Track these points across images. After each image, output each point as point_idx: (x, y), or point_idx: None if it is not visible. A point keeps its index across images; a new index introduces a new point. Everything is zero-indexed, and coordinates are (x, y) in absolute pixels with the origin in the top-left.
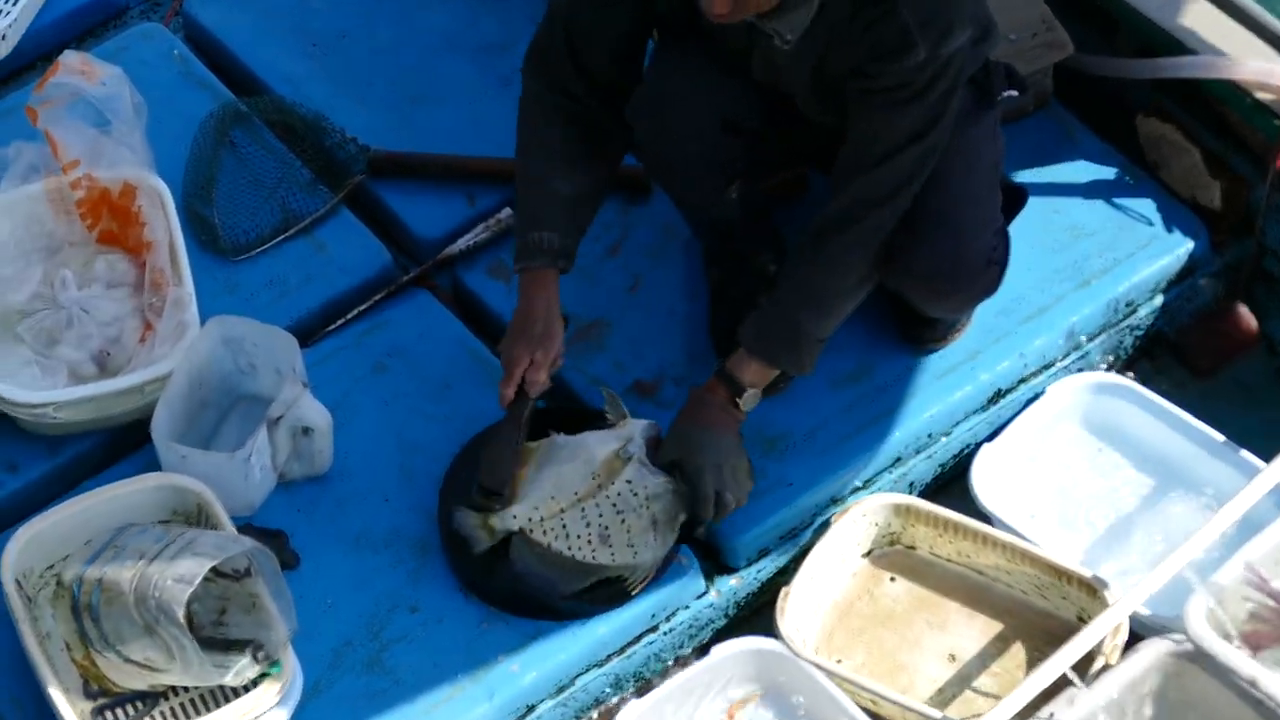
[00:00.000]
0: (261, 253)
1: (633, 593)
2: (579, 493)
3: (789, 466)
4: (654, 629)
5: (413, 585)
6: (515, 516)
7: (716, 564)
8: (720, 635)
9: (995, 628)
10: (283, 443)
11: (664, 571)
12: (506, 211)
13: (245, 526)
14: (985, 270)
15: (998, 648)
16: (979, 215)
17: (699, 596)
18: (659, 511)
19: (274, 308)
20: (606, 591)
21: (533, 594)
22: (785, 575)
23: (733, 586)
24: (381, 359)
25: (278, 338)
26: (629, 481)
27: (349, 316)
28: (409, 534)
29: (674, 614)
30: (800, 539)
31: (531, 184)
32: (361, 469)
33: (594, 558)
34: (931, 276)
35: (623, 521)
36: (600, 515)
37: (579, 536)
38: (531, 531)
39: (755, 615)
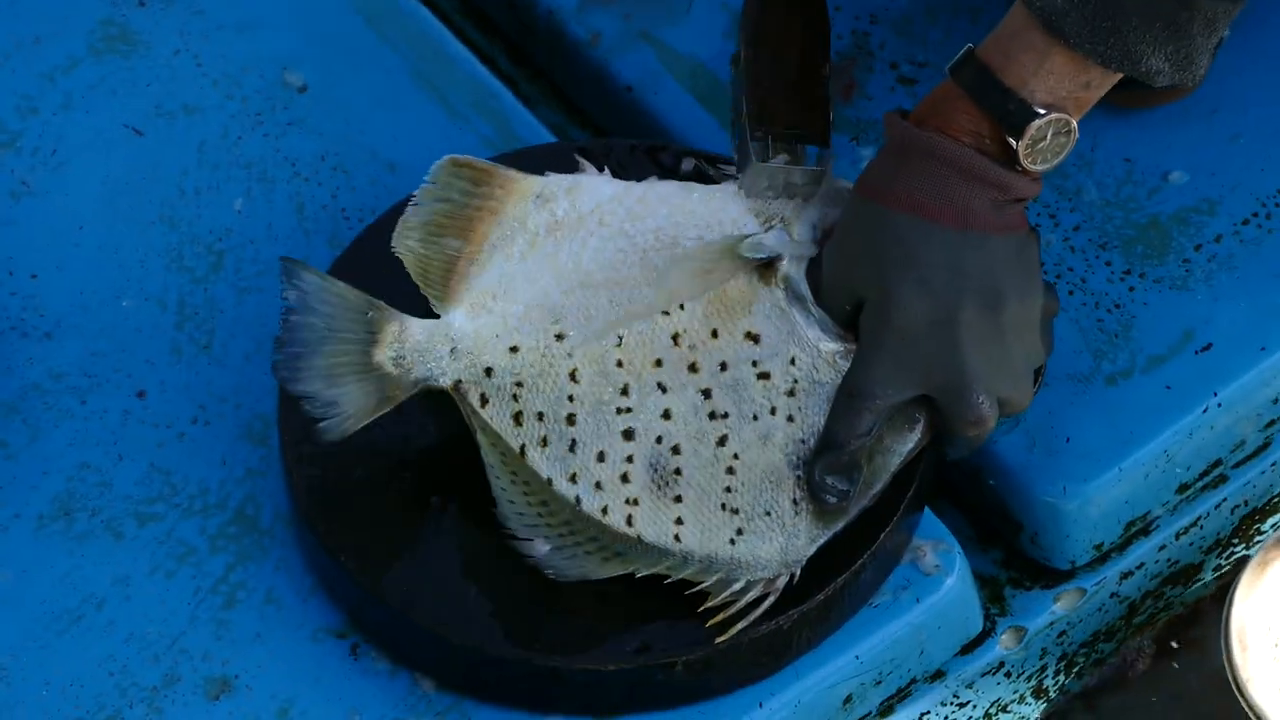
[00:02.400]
0: None
1: (719, 626)
2: (626, 335)
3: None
4: None
5: (213, 624)
6: (454, 343)
7: (1012, 560)
8: None
9: None
10: None
11: (843, 583)
12: None
13: None
14: None
15: None
16: None
17: (969, 648)
18: (815, 427)
19: None
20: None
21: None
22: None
23: (1052, 619)
24: None
25: None
26: (753, 337)
27: None
28: (200, 488)
29: (899, 696)
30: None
31: None
32: (72, 306)
33: (629, 523)
34: None
35: (721, 440)
36: (665, 412)
37: (600, 458)
38: (487, 402)
39: (1100, 694)
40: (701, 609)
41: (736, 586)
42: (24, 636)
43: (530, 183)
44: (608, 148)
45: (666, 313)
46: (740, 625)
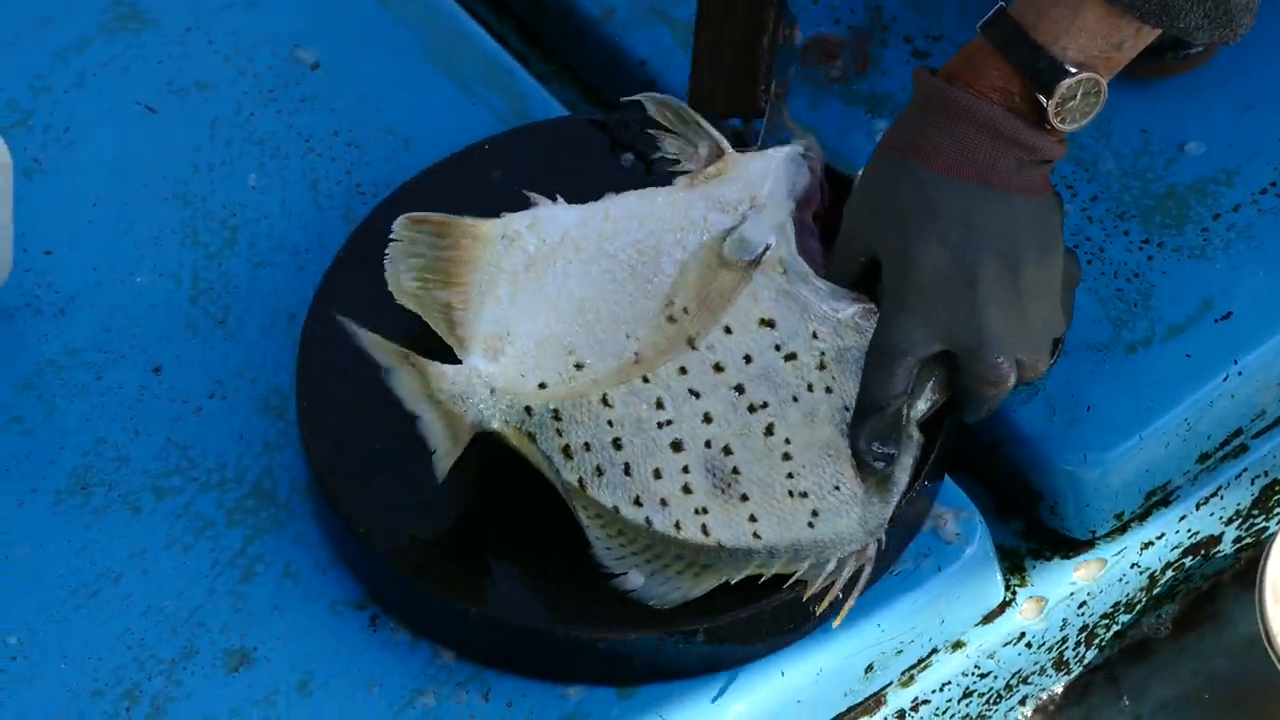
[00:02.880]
0: None
1: (815, 608)
2: (640, 349)
3: None
4: (871, 705)
5: (231, 597)
6: (490, 383)
7: (1032, 531)
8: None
9: None
10: None
11: (882, 552)
12: None
13: None
14: None
15: None
16: None
17: (990, 618)
18: (854, 393)
19: None
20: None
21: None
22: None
23: (1073, 590)
24: None
25: None
26: (768, 323)
27: None
28: (217, 462)
29: (920, 666)
30: None
31: None
32: (86, 282)
33: (705, 533)
34: None
35: (769, 430)
36: (705, 416)
37: (657, 475)
38: (535, 440)
39: (1121, 667)
40: (805, 597)
41: (830, 568)
42: (42, 610)
43: (490, 226)
44: (623, 120)
45: (673, 320)
46: (850, 603)
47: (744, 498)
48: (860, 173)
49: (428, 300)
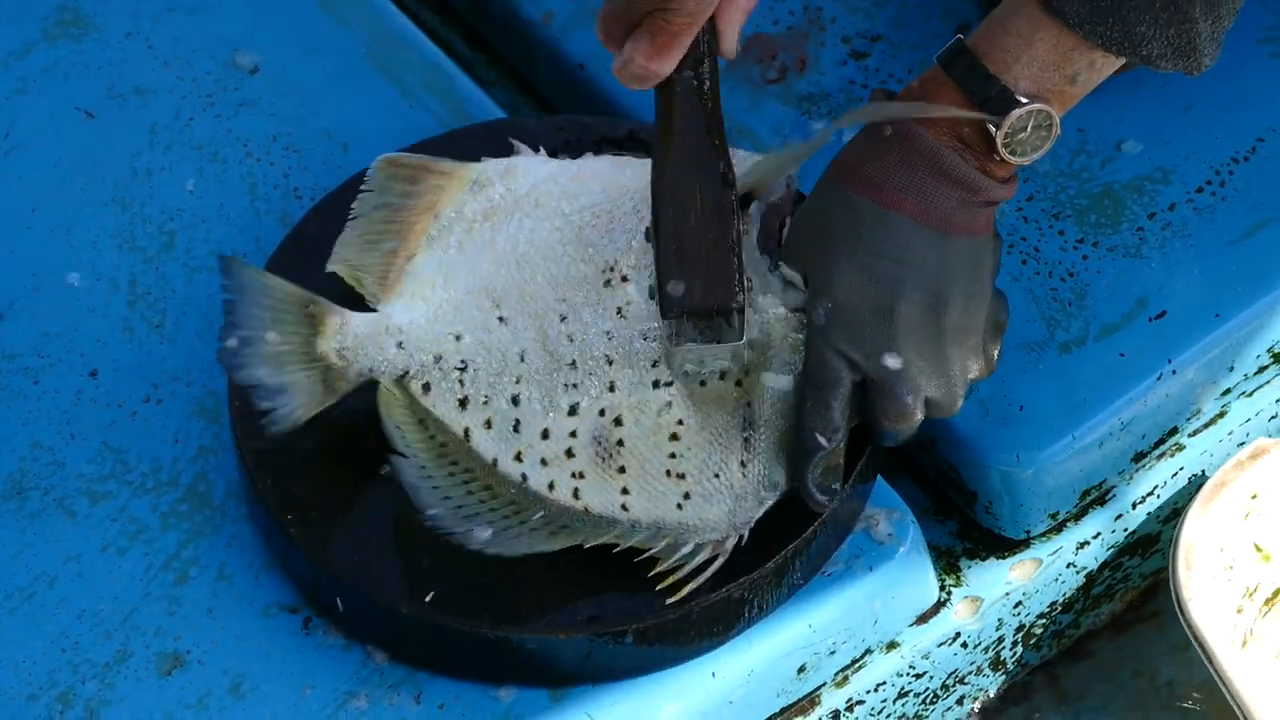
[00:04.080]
0: None
1: (671, 589)
2: (566, 309)
3: None
4: (805, 706)
5: (165, 600)
6: (401, 335)
7: (967, 531)
8: None
9: None
10: None
11: (806, 544)
12: None
13: None
14: None
15: None
16: None
17: (924, 618)
18: (769, 405)
19: None
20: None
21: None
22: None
23: (1008, 590)
24: None
25: None
26: None
27: None
28: (152, 466)
29: (854, 666)
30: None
31: None
32: (24, 287)
33: (575, 496)
34: None
35: (666, 407)
36: (610, 385)
37: (544, 435)
38: (429, 390)
39: (1061, 667)
40: (651, 574)
41: (685, 550)
42: None
43: (467, 170)
44: (560, 124)
45: (609, 285)
46: (691, 586)
47: (621, 470)
48: (811, 190)
49: (372, 254)
